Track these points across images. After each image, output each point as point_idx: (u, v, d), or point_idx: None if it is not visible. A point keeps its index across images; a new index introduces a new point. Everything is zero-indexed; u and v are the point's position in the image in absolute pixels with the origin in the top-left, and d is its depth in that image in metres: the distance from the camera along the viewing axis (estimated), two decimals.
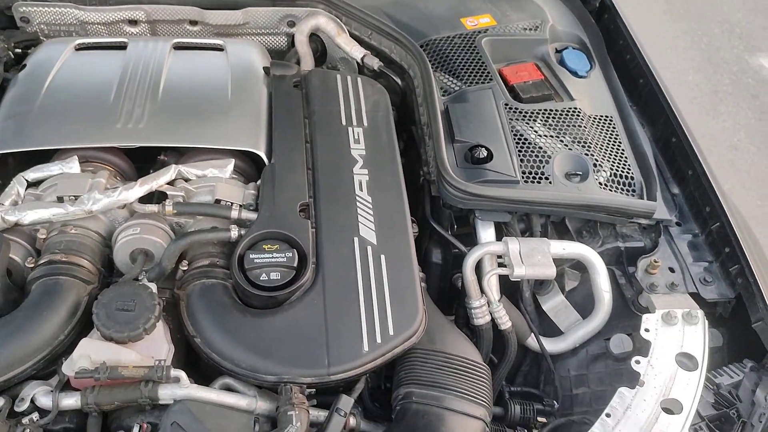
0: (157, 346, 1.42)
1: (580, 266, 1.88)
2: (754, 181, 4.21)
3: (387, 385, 1.61)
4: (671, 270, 1.79)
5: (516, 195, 1.75)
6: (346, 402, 1.42)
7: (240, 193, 1.67)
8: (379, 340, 1.45)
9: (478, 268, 1.74)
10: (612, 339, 1.76)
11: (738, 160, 4.37)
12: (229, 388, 1.44)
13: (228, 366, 1.40)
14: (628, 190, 1.85)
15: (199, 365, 1.53)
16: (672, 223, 1.88)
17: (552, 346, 1.79)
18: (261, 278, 1.48)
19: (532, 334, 1.77)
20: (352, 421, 1.46)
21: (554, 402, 1.71)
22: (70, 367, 1.36)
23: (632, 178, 1.88)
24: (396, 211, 1.67)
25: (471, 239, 1.81)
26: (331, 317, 1.46)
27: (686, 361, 1.59)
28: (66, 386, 1.39)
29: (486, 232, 1.78)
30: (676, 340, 1.62)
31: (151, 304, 1.41)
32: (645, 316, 1.66)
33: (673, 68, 4.93)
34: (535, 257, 1.69)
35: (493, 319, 1.72)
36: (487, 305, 1.71)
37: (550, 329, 1.86)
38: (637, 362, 1.58)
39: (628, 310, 1.79)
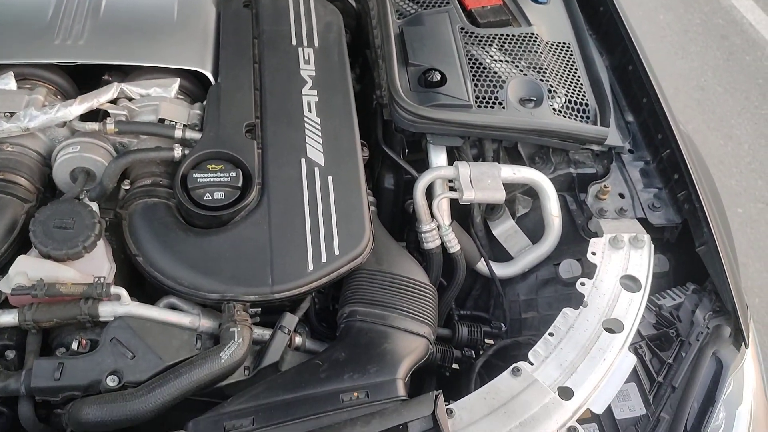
0: (98, 264, 1.40)
1: (531, 193, 1.88)
2: (719, 122, 4.24)
3: (335, 306, 1.62)
4: (621, 196, 1.80)
5: (468, 119, 1.73)
6: (289, 320, 1.42)
7: (185, 113, 1.63)
8: (324, 260, 1.45)
9: (429, 192, 1.73)
10: (561, 264, 1.78)
11: (704, 100, 4.38)
12: (173, 308, 1.44)
13: (170, 284, 1.39)
14: (581, 117, 1.84)
15: (144, 287, 1.52)
16: (624, 150, 1.88)
17: (502, 270, 1.81)
18: (205, 198, 1.46)
19: (482, 258, 1.79)
20: (298, 339, 1.47)
21: (502, 325, 1.74)
22: (6, 284, 1.34)
23: (587, 104, 1.87)
24: (345, 133, 1.64)
25: (423, 166, 1.79)
26: (275, 237, 1.45)
27: (630, 283, 1.61)
28: (4, 304, 1.37)
29: (438, 157, 1.77)
30: (621, 263, 1.64)
31: (91, 222, 1.38)
32: (592, 240, 1.68)
33: (645, 6, 4.88)
34: (485, 181, 1.68)
35: (443, 244, 1.72)
36: (437, 229, 1.71)
37: (501, 255, 1.87)
38: (582, 284, 1.60)
39: (578, 236, 1.81)
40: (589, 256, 1.65)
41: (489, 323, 1.75)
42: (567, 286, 1.75)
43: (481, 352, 1.66)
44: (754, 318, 2.88)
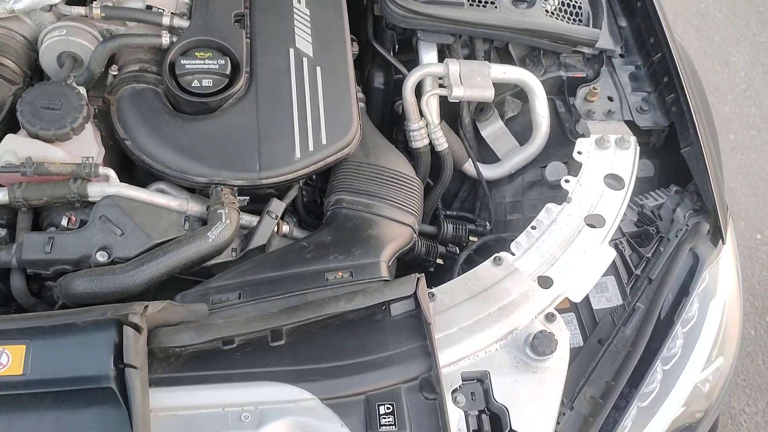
0: (86, 147, 1.41)
1: (520, 96, 1.88)
2: (717, 48, 4.20)
3: (322, 199, 1.64)
4: (610, 99, 1.80)
5: (460, 16, 1.72)
6: (277, 205, 1.45)
7: (173, 0, 1.61)
8: (311, 149, 1.46)
9: (419, 90, 1.73)
10: (548, 166, 1.80)
11: (703, 26, 4.33)
12: (162, 192, 1.46)
13: (158, 168, 1.41)
14: (574, 19, 1.83)
15: (134, 174, 1.54)
16: (616, 54, 1.87)
17: (489, 172, 1.83)
18: (193, 84, 1.46)
19: (470, 159, 1.80)
20: (285, 228, 1.50)
21: (487, 223, 1.77)
22: None
23: (579, 7, 1.85)
24: (334, 24, 1.63)
25: (413, 66, 1.78)
26: (263, 124, 1.46)
27: (614, 182, 1.64)
28: None
29: (428, 55, 1.76)
30: (606, 163, 1.66)
31: (78, 104, 1.39)
32: (579, 140, 1.69)
33: None
34: (474, 79, 1.68)
35: (431, 143, 1.74)
36: (426, 128, 1.72)
37: (489, 158, 1.89)
38: (567, 181, 1.63)
39: (565, 139, 1.82)
40: (575, 155, 1.67)
41: (474, 222, 1.78)
42: (553, 189, 1.77)
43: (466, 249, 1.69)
44: (738, 241, 2.94)
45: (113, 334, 1.15)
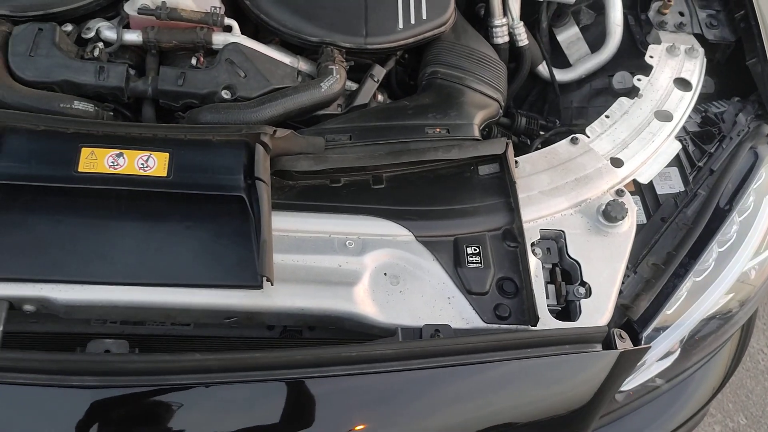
0: (209, 2, 1.54)
1: (594, 7, 2.00)
2: None
3: (410, 80, 1.77)
4: (680, 14, 1.91)
5: None
6: (378, 70, 1.58)
7: None
8: (412, 22, 1.59)
9: None
10: (615, 75, 1.91)
11: None
12: None
13: (275, 25, 1.53)
14: None
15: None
16: None
17: (561, 75, 1.95)
18: None
19: (544, 60, 1.92)
20: (380, 96, 1.63)
21: (557, 121, 1.89)
22: (131, 6, 1.48)
23: None
24: None
25: None
26: None
27: (681, 85, 1.76)
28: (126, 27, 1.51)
29: None
30: (675, 68, 1.78)
31: None
32: (651, 46, 1.81)
33: None
34: None
35: (511, 39, 1.85)
36: (507, 25, 1.84)
37: (558, 64, 2.01)
38: (639, 79, 1.75)
39: (635, 51, 1.93)
40: (646, 58, 1.79)
41: (545, 119, 1.90)
42: (617, 97, 1.89)
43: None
44: None
45: (243, 152, 1.29)
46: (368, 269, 1.32)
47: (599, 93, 1.95)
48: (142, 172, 1.23)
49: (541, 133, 1.85)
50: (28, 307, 1.21)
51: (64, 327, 1.35)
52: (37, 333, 1.34)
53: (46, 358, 1.09)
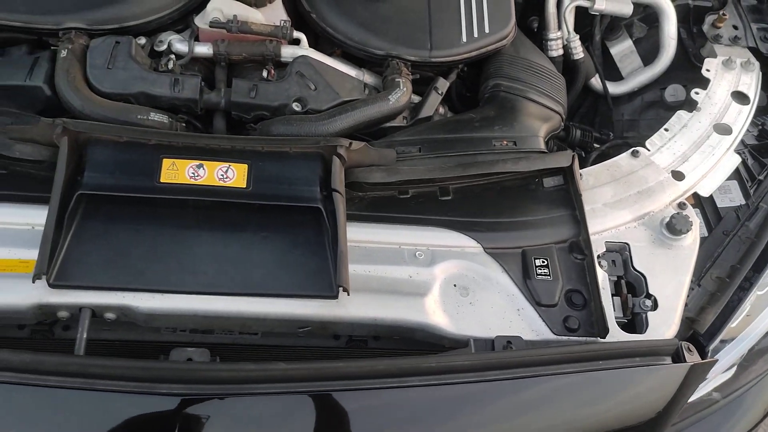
0: (277, 15, 1.57)
1: (646, 20, 2.01)
2: None
3: (469, 93, 1.79)
4: (734, 27, 1.92)
5: None
6: (442, 83, 1.60)
7: None
8: (475, 35, 1.61)
9: (559, 3, 1.86)
10: (667, 88, 1.92)
11: None
12: None
13: (341, 39, 1.56)
14: None
15: None
16: None
17: (614, 88, 1.96)
18: None
19: (597, 73, 1.93)
20: (441, 109, 1.65)
21: (610, 133, 1.90)
22: (202, 19, 1.51)
23: None
24: None
25: None
26: (434, 9, 1.61)
27: (739, 98, 1.76)
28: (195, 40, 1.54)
29: None
30: (732, 81, 1.79)
31: None
32: (707, 59, 1.82)
33: None
34: None
35: (565, 53, 1.87)
36: (562, 39, 1.86)
37: (610, 76, 2.02)
38: (696, 93, 1.76)
39: (686, 64, 1.94)
40: (703, 71, 1.80)
41: (599, 132, 1.91)
42: (669, 110, 1.89)
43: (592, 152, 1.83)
44: None
45: (319, 163, 1.31)
46: (438, 280, 1.33)
47: (650, 106, 1.96)
48: (222, 183, 1.26)
49: (596, 145, 1.86)
50: (109, 315, 1.23)
51: (136, 335, 1.38)
52: (108, 340, 1.37)
53: (135, 365, 1.10)
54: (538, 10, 1.93)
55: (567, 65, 1.88)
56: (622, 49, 1.99)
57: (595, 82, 1.95)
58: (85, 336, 1.18)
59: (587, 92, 2.01)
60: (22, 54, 1.47)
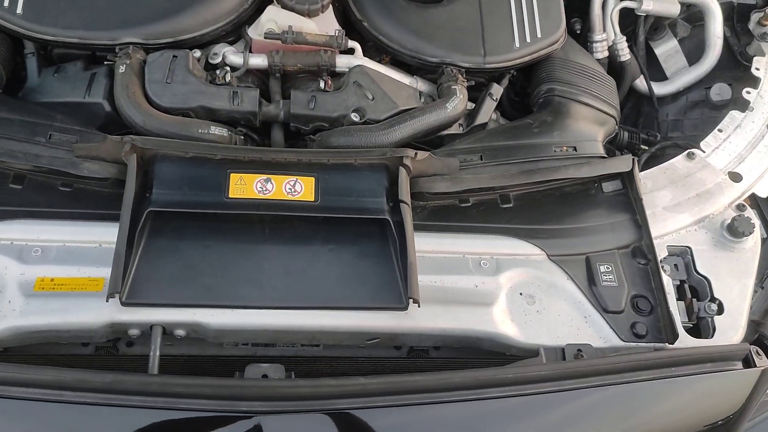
0: (329, 24, 1.56)
1: (690, 19, 1.99)
2: None
3: (516, 98, 1.78)
4: None
5: None
6: (496, 89, 1.59)
7: None
8: (528, 40, 1.59)
9: (605, 4, 1.85)
10: (713, 87, 1.90)
11: None
12: None
13: (394, 47, 1.55)
14: None
15: None
16: None
17: (659, 88, 1.94)
18: None
19: (642, 74, 1.92)
20: (494, 115, 1.64)
21: (657, 134, 1.89)
22: (256, 30, 1.50)
23: None
24: None
25: None
26: (486, 15, 1.60)
27: None
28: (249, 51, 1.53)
29: None
30: None
31: None
32: (756, 57, 1.81)
33: None
34: None
35: (610, 54, 1.85)
36: (607, 40, 1.84)
37: (653, 77, 2.00)
38: (748, 92, 1.74)
39: (732, 63, 1.93)
40: (752, 71, 1.78)
41: (646, 133, 1.90)
42: (715, 110, 1.88)
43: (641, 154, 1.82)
44: None
45: (385, 174, 1.30)
46: (504, 289, 1.33)
47: (695, 105, 1.94)
48: (290, 197, 1.25)
49: (643, 147, 1.85)
50: (179, 332, 1.22)
51: (198, 350, 1.38)
52: (171, 355, 1.36)
53: (214, 383, 1.10)
54: (579, 11, 1.92)
55: (613, 67, 1.87)
56: (667, 48, 1.97)
57: (639, 82, 1.93)
58: (158, 354, 1.17)
59: (630, 93, 1.99)
60: (77, 70, 1.47)
